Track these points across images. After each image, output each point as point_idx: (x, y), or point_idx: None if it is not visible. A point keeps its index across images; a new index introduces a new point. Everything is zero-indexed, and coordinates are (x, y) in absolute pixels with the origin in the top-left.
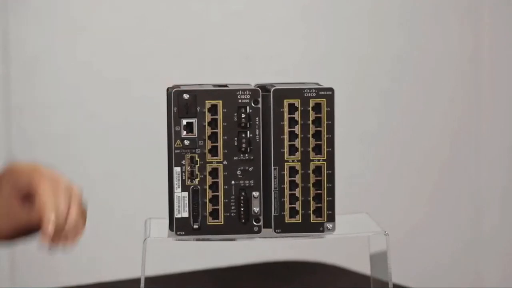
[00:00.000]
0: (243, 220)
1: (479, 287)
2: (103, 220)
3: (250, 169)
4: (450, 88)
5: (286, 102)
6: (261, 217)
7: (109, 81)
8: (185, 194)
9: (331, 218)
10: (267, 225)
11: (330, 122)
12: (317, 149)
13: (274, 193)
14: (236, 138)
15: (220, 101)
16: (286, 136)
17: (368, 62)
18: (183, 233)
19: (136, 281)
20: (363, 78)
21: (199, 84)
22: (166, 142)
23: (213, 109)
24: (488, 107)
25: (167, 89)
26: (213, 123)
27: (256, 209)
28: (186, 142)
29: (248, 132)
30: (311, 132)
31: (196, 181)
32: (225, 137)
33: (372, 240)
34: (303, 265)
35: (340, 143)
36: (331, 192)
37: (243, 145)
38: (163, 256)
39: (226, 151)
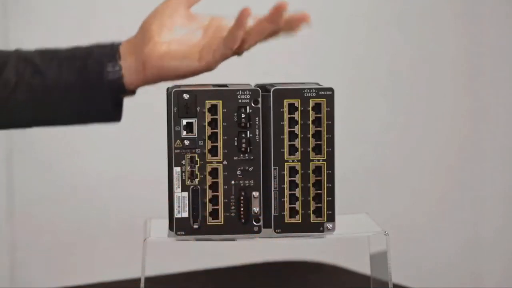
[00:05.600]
0: (243, 220)
1: (479, 287)
2: (103, 220)
3: (250, 169)
4: (451, 88)
5: (286, 102)
6: (261, 217)
7: None
8: (185, 194)
9: (331, 218)
10: (267, 225)
11: (330, 122)
12: (317, 149)
13: (274, 193)
14: (236, 138)
15: (220, 101)
16: (286, 136)
17: (368, 62)
18: (183, 233)
19: (136, 281)
20: (363, 78)
21: (199, 84)
22: (166, 142)
23: (213, 109)
24: (489, 107)
25: (167, 89)
26: (213, 123)
27: (256, 209)
28: (186, 142)
29: (248, 132)
30: (311, 132)
31: (196, 181)
32: (225, 137)
33: (372, 240)
34: (303, 265)
35: (340, 143)
36: (331, 192)
37: (243, 145)
38: (163, 256)
39: (226, 151)
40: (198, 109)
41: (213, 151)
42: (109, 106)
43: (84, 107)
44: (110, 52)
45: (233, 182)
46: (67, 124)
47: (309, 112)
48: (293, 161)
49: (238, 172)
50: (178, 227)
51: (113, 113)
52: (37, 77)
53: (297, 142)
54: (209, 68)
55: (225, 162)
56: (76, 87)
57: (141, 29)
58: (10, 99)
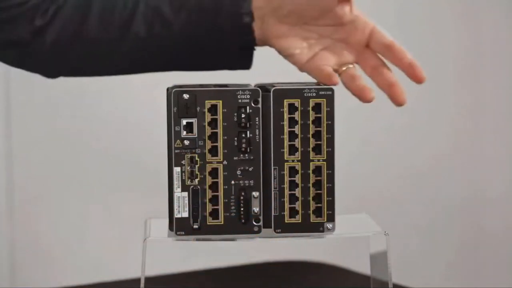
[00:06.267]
0: (243, 220)
1: (479, 287)
2: (103, 220)
3: (250, 169)
4: (451, 88)
5: (286, 102)
6: (261, 217)
7: (109, 81)
8: (185, 194)
9: (331, 218)
10: (267, 225)
11: (330, 122)
12: (317, 149)
13: (274, 193)
14: (236, 138)
15: (220, 101)
16: (286, 136)
17: None
18: (183, 233)
19: (136, 281)
20: (363, 78)
21: (199, 84)
22: (166, 142)
23: (213, 109)
24: (489, 107)
25: (167, 89)
26: (213, 123)
27: (256, 209)
28: (186, 142)
29: (248, 132)
30: (311, 132)
31: (196, 181)
32: (225, 137)
33: (372, 240)
34: (303, 265)
35: (340, 143)
36: (331, 192)
37: (243, 145)
38: (163, 256)
39: (226, 151)
40: (198, 109)
41: (213, 151)
42: (237, 56)
43: (212, 57)
44: (241, 9)
45: (233, 182)
46: (193, 70)
47: (309, 112)
48: (293, 161)
49: (238, 172)
50: (178, 227)
51: (241, 61)
52: (165, 28)
53: (297, 142)
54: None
55: (225, 162)
56: (205, 41)
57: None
58: (139, 51)
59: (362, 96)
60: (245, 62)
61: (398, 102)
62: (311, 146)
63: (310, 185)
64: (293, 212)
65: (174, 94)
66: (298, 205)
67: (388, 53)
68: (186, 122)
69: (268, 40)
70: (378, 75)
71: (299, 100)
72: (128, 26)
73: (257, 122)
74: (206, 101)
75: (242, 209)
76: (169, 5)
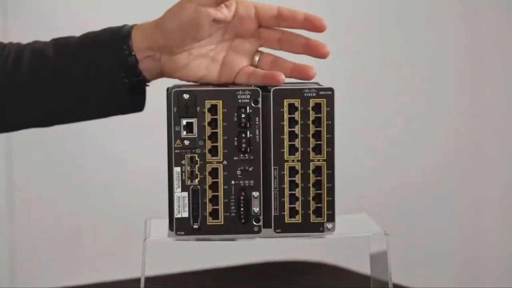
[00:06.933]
0: (243, 220)
1: (478, 287)
2: (103, 220)
3: (250, 169)
4: (451, 88)
5: (286, 102)
6: (261, 217)
7: None
8: (185, 194)
9: (331, 218)
10: (267, 225)
11: (330, 122)
12: (317, 149)
13: (274, 193)
14: (236, 138)
15: (220, 101)
16: (286, 136)
17: (368, 62)
18: (183, 233)
19: (136, 281)
20: (363, 78)
21: (199, 84)
22: (166, 142)
23: (213, 109)
24: (489, 107)
25: (167, 89)
26: (213, 123)
27: (256, 209)
28: (186, 142)
29: (248, 132)
30: (311, 132)
31: (196, 181)
32: (225, 137)
33: (372, 240)
34: (303, 265)
35: (339, 143)
36: (331, 192)
37: (243, 145)
38: (163, 256)
39: (226, 151)
40: (198, 109)
41: (213, 151)
42: (127, 99)
43: (101, 101)
44: (122, 49)
45: (233, 182)
46: (86, 119)
47: (309, 112)
48: (293, 161)
49: (238, 172)
50: (178, 227)
51: (133, 104)
52: (51, 72)
53: (297, 142)
54: (228, 83)
55: (225, 162)
56: (92, 83)
57: (161, 30)
58: (25, 95)
59: (274, 81)
60: (137, 105)
61: (322, 54)
62: (311, 146)
63: (310, 185)
64: (293, 212)
65: (174, 94)
66: (298, 205)
67: (281, 22)
68: (186, 122)
69: (171, 75)
70: (288, 44)
71: (299, 100)
72: (15, 74)
73: (257, 122)
74: (206, 101)
75: (242, 209)
76: (53, 48)
